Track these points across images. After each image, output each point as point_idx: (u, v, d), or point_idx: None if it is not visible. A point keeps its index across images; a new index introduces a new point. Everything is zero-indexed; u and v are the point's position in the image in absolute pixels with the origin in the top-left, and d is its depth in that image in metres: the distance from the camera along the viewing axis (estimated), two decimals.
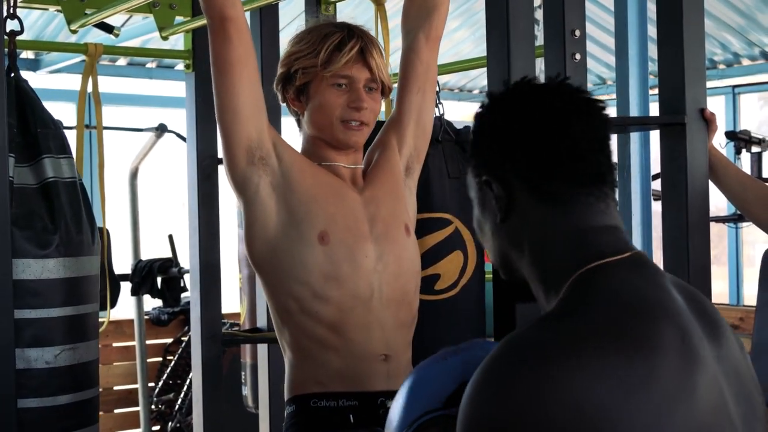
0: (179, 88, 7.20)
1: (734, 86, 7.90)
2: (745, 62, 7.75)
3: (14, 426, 2.81)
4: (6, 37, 3.00)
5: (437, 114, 3.02)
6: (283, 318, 2.42)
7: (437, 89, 3.04)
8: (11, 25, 3.00)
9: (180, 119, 6.08)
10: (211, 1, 2.32)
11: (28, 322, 2.93)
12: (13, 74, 3.03)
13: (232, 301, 5.08)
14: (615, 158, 3.49)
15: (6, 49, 2.99)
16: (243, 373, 4.61)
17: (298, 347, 2.41)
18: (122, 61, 7.18)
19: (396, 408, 1.67)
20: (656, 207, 4.27)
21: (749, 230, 7.57)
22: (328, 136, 2.45)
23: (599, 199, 1.53)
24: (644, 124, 3.25)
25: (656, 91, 3.06)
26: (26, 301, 2.92)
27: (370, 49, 2.43)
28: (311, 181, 2.41)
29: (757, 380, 1.57)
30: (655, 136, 3.27)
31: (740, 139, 5.54)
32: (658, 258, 4.16)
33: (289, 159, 2.41)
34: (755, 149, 5.63)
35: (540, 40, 2.96)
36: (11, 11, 3.04)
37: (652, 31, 3.43)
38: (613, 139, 3.39)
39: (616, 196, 5.76)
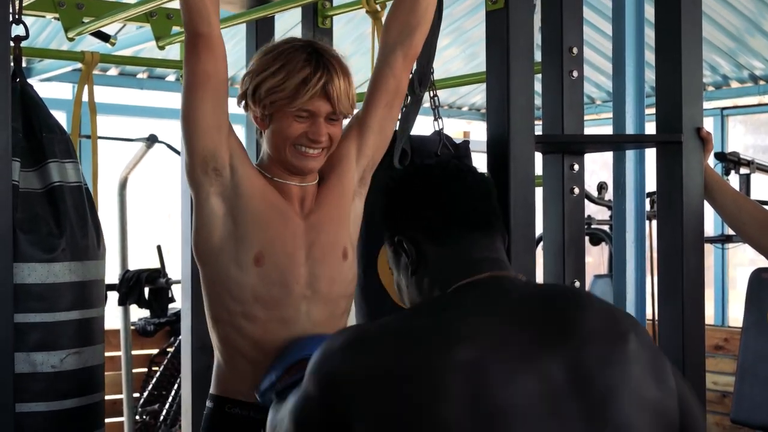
0: (169, 99, 7.21)
1: (722, 108, 7.95)
2: (734, 85, 7.80)
3: (12, 431, 2.80)
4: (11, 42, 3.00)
5: (436, 128, 3.04)
6: (214, 321, 2.52)
7: (437, 104, 3.06)
8: (16, 30, 3.00)
9: (169, 130, 6.10)
10: (186, 16, 2.39)
11: (33, 326, 2.93)
12: (18, 79, 3.03)
13: None
14: (610, 176, 3.45)
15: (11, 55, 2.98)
16: None
17: (224, 352, 2.52)
18: (113, 71, 7.17)
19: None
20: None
21: (732, 252, 7.61)
22: (283, 160, 2.49)
23: (484, 236, 1.97)
24: (641, 141, 3.27)
25: (652, 110, 3.07)
26: (31, 305, 2.92)
27: (333, 82, 2.44)
28: (259, 201, 2.47)
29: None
30: (650, 154, 3.28)
31: (729, 161, 5.57)
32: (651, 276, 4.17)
33: (242, 173, 2.47)
34: (744, 171, 5.66)
35: (538, 57, 2.98)
36: (17, 16, 3.03)
37: (648, 51, 3.45)
38: (609, 157, 3.42)
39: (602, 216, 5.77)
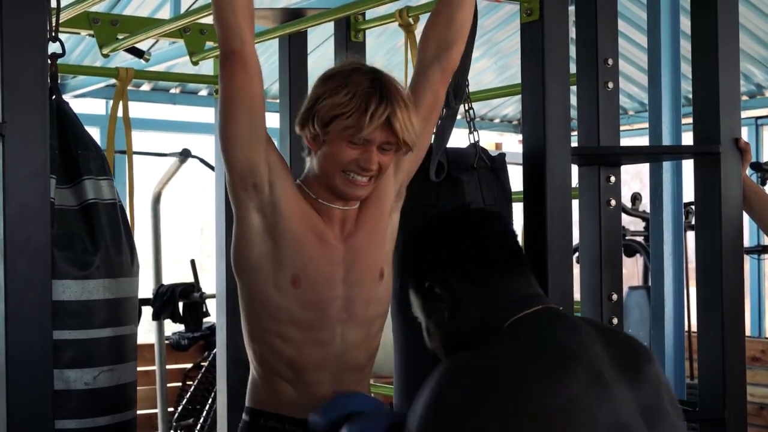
0: (202, 114, 7.24)
1: (757, 118, 7.90)
2: None
3: None
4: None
5: (472, 141, 3.02)
6: (250, 337, 2.52)
7: (473, 117, 3.04)
8: (53, 48, 3.00)
9: (202, 145, 6.12)
10: (220, 33, 2.40)
11: (67, 343, 2.94)
12: (54, 96, 3.04)
13: None
14: (642, 186, 3.44)
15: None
16: None
17: (258, 368, 2.52)
18: (146, 86, 7.21)
19: None
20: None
21: (767, 263, 7.56)
22: (331, 184, 2.46)
23: (519, 274, 2.04)
24: (678, 153, 3.25)
25: (687, 120, 3.06)
26: (66, 322, 2.92)
27: (397, 113, 2.39)
28: (297, 222, 2.45)
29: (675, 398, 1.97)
30: (687, 164, 3.26)
31: (765, 171, 5.52)
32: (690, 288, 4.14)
33: (281, 191, 2.44)
34: None
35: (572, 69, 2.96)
36: (53, 34, 3.04)
37: (682, 63, 3.43)
38: (640, 167, 3.40)
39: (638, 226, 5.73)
